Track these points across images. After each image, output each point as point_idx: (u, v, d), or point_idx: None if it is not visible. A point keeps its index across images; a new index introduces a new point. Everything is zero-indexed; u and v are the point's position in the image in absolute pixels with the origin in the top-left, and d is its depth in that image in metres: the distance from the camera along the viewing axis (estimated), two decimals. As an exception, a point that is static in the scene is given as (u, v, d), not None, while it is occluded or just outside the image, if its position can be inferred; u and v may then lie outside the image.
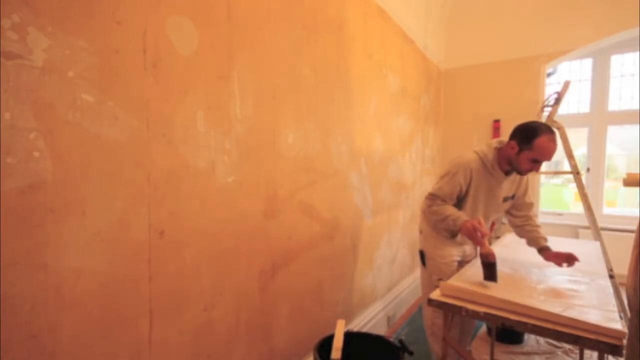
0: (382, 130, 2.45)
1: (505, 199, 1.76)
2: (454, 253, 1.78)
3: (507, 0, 3.38)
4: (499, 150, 1.65)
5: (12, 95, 0.75)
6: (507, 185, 1.73)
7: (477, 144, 3.56)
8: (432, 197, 1.67)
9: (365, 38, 2.17)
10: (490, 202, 1.72)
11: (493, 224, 1.88)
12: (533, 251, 1.75)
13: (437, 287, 1.37)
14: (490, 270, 1.38)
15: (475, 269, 1.57)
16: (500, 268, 1.56)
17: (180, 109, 1.10)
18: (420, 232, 1.90)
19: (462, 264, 1.82)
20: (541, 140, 1.48)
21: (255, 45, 1.37)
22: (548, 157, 1.52)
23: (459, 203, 1.70)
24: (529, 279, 1.44)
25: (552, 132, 1.51)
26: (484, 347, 2.25)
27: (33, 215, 0.79)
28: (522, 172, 1.61)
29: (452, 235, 1.76)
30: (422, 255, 1.85)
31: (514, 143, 1.56)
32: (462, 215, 1.54)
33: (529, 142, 1.50)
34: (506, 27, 3.40)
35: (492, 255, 1.38)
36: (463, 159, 1.65)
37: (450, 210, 1.58)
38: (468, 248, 1.89)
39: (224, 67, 1.24)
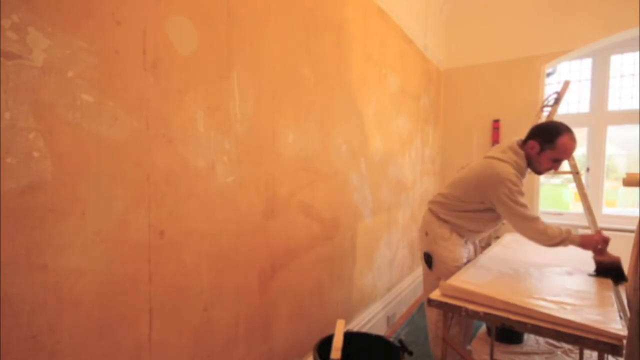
0: (382, 130, 2.45)
1: None
2: (464, 255, 1.79)
3: (506, 0, 3.38)
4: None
5: (12, 95, 0.75)
6: None
7: (477, 144, 3.58)
8: (535, 220, 1.50)
9: (365, 38, 2.17)
10: None
11: None
12: (533, 251, 1.75)
13: None
14: (621, 271, 1.44)
15: (475, 269, 1.57)
16: (500, 268, 1.57)
17: (180, 109, 1.10)
18: (426, 234, 1.85)
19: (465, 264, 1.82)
20: (564, 139, 1.48)
21: (255, 45, 1.37)
22: (569, 155, 1.54)
23: (488, 211, 1.63)
24: (529, 279, 1.44)
25: (572, 131, 1.52)
26: (483, 347, 2.25)
27: (33, 215, 0.78)
28: (540, 172, 1.60)
29: (467, 238, 1.79)
30: (429, 257, 1.81)
31: (534, 143, 1.54)
32: (570, 229, 1.50)
33: (552, 141, 1.49)
34: (506, 27, 3.41)
35: (619, 259, 1.46)
36: (506, 172, 1.52)
37: (556, 228, 1.50)
38: (472, 248, 1.89)
39: (224, 67, 1.24)
